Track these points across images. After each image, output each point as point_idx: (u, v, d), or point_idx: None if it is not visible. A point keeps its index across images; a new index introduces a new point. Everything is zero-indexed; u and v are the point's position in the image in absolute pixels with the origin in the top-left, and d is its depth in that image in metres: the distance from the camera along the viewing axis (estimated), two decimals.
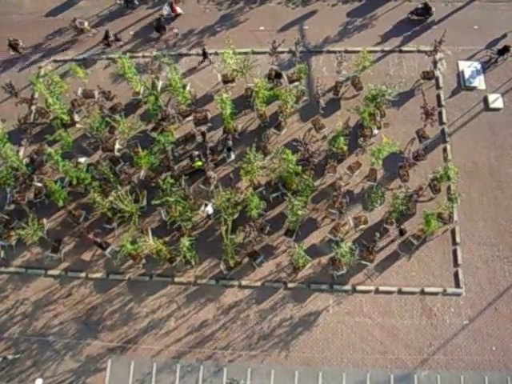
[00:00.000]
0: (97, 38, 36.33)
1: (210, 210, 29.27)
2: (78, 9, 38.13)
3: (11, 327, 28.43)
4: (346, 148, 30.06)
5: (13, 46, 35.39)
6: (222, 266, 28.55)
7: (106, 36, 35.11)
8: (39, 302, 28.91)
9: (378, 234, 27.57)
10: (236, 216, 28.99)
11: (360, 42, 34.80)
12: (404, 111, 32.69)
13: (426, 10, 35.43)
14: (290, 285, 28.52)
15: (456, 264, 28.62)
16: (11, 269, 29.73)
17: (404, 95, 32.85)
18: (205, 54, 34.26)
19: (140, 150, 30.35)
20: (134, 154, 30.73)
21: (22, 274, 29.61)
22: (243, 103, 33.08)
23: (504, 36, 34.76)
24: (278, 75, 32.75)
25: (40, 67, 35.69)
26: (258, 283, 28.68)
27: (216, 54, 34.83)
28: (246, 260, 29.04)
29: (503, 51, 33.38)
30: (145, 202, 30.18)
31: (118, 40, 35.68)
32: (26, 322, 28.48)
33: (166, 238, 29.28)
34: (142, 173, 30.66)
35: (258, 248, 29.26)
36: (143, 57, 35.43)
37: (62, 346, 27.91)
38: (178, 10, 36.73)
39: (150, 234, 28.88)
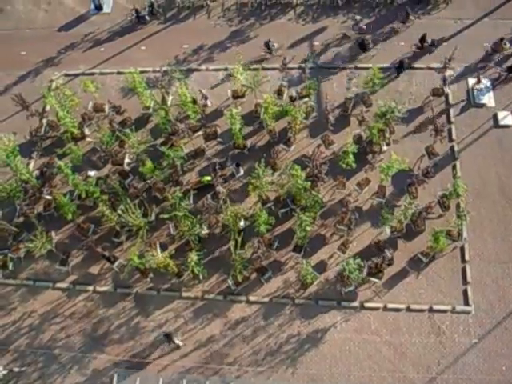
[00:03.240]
0: (106, 53, 36.78)
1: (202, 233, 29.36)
2: (89, 24, 38.58)
3: (18, 339, 28.44)
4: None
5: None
6: (230, 282, 28.47)
7: (423, 39, 34.80)
8: (46, 314, 28.93)
9: (387, 251, 27.48)
10: (242, 224, 29.07)
11: (370, 58, 34.90)
12: (413, 128, 32.67)
13: None
14: (297, 301, 28.39)
15: (465, 282, 28.41)
16: (19, 281, 29.82)
17: (413, 112, 32.82)
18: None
19: (147, 161, 30.46)
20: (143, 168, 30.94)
21: (29, 286, 29.68)
22: (253, 119, 33.15)
23: None
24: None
25: (51, 81, 36.02)
26: (266, 299, 28.57)
27: (226, 69, 35.03)
28: (253, 275, 28.96)
29: None
30: (153, 216, 30.21)
31: (433, 45, 35.18)
32: (32, 334, 28.48)
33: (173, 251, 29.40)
34: (153, 179, 30.72)
35: (266, 263, 29.17)
36: (153, 71, 35.68)
37: (68, 360, 27.86)
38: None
39: (158, 248, 28.86)
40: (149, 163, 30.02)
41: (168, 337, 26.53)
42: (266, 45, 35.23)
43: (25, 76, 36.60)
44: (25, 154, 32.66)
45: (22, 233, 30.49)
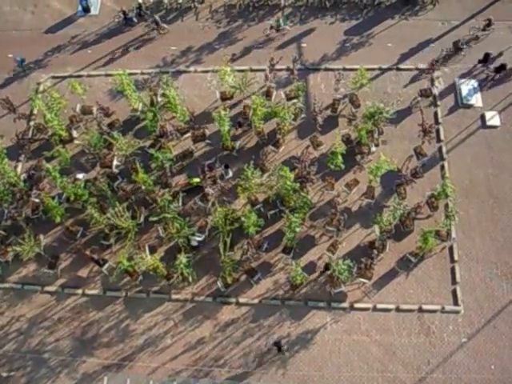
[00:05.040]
0: (94, 55, 36.62)
1: (196, 240, 29.27)
2: (77, 26, 38.41)
3: (6, 344, 28.22)
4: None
5: None
6: (220, 283, 28.42)
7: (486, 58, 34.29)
8: (35, 318, 28.73)
9: (375, 251, 27.54)
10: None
11: (358, 59, 34.97)
12: (402, 129, 32.78)
13: None
14: (287, 302, 28.39)
15: (454, 282, 28.53)
16: (7, 285, 29.60)
17: (402, 113, 32.95)
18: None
19: (138, 167, 30.34)
20: (132, 171, 30.82)
21: (18, 290, 29.46)
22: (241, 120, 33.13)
23: (500, 54, 34.96)
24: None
25: (39, 83, 35.82)
26: (256, 300, 28.54)
27: (214, 71, 34.96)
28: (243, 277, 28.91)
29: (499, 69, 33.61)
30: (142, 219, 30.10)
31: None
32: (21, 338, 28.28)
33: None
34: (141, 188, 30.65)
35: (256, 265, 29.13)
36: (142, 73, 35.58)
37: (57, 364, 27.68)
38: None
39: (147, 250, 28.75)
40: (141, 173, 29.74)
41: (278, 345, 26.54)
42: (455, 44, 34.90)
43: (12, 78, 36.36)
44: (12, 157, 32.44)
45: (10, 236, 30.23)
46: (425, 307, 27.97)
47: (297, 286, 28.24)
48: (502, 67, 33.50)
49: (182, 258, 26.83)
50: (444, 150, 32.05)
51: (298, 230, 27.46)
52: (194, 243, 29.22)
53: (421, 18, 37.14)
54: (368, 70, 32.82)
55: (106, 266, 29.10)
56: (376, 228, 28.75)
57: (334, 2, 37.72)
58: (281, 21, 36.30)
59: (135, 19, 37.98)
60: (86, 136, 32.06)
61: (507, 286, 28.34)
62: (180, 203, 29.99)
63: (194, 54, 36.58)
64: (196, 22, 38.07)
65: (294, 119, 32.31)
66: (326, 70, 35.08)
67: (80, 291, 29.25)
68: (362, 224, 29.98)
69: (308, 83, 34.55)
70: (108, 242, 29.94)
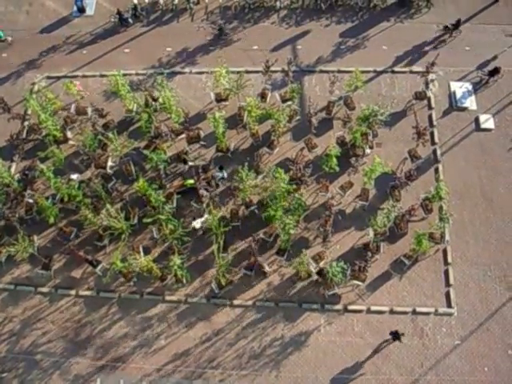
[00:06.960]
0: (89, 56, 36.55)
1: (198, 224, 29.30)
2: (71, 26, 38.29)
3: None
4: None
5: None
6: (214, 285, 28.38)
7: (496, 71, 33.70)
8: (28, 319, 28.59)
9: (369, 254, 27.55)
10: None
11: (352, 62, 35.03)
12: (396, 131, 32.85)
13: None
14: (281, 304, 28.37)
15: (448, 284, 28.59)
16: (0, 285, 29.45)
17: (396, 115, 33.02)
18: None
19: (133, 171, 30.22)
20: (126, 172, 30.74)
21: (11, 290, 29.33)
22: (236, 122, 33.13)
23: (494, 58, 35.12)
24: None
25: (33, 83, 35.71)
26: (250, 302, 28.51)
27: (209, 72, 34.94)
28: (237, 279, 28.85)
29: (494, 72, 33.73)
30: (136, 220, 30.02)
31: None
32: (13, 340, 28.14)
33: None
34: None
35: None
36: (136, 74, 35.55)
37: (49, 365, 27.56)
38: None
39: (141, 251, 28.69)
40: (142, 181, 29.43)
41: (396, 335, 26.32)
42: None
43: (6, 78, 36.24)
44: (6, 158, 32.35)
45: (3, 237, 30.09)
46: (418, 309, 28.02)
47: (303, 279, 28.23)
48: (496, 70, 33.62)
49: (176, 260, 26.77)
50: (438, 152, 32.14)
51: (292, 232, 27.45)
52: (197, 225, 29.25)
53: (416, 20, 37.27)
54: (363, 72, 32.86)
55: (100, 267, 29.03)
56: (370, 230, 28.77)
57: (329, 4, 37.82)
58: (1, 33, 36.76)
59: (131, 20, 37.93)
60: (80, 137, 31.99)
61: (500, 288, 28.44)
62: (174, 204, 29.95)
63: (189, 55, 36.54)
64: (191, 24, 38.04)
65: (289, 121, 32.34)
66: (321, 72, 35.11)
67: (73, 292, 29.15)
68: (356, 226, 30.01)
69: (303, 85, 34.60)
70: (102, 243, 29.85)
